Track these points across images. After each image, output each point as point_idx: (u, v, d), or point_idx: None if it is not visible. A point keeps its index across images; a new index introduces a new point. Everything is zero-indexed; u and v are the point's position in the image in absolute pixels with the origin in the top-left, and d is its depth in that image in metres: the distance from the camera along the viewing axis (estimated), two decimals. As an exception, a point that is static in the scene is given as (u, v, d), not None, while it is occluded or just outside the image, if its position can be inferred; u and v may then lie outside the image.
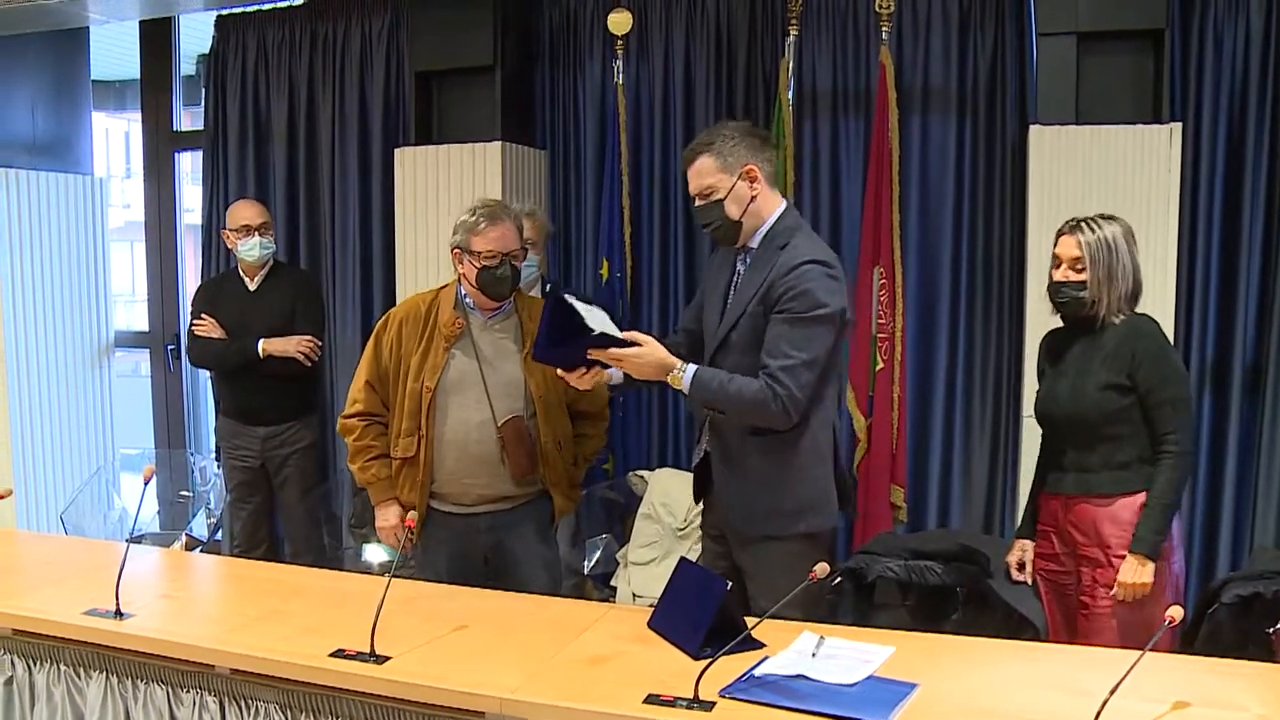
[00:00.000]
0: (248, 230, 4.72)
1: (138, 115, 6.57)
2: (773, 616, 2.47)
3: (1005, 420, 4.93)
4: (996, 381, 4.94)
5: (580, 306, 3.05)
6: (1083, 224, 3.18)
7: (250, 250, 4.72)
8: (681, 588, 2.79)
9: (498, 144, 5.12)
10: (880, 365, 4.70)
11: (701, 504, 3.38)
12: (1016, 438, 4.74)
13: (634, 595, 4.65)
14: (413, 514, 2.99)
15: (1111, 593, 3.08)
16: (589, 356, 3.02)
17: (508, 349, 3.53)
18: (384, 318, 3.61)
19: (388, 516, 3.58)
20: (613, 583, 4.89)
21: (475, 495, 3.51)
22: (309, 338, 4.71)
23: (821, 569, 2.42)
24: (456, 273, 3.53)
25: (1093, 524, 3.14)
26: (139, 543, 3.55)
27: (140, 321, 6.87)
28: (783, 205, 3.11)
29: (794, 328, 2.92)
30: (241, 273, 4.83)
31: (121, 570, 2.92)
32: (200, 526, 5.85)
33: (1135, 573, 3.04)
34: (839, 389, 3.23)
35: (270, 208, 4.97)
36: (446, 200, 5.12)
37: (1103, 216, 3.19)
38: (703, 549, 3.43)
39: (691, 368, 3.00)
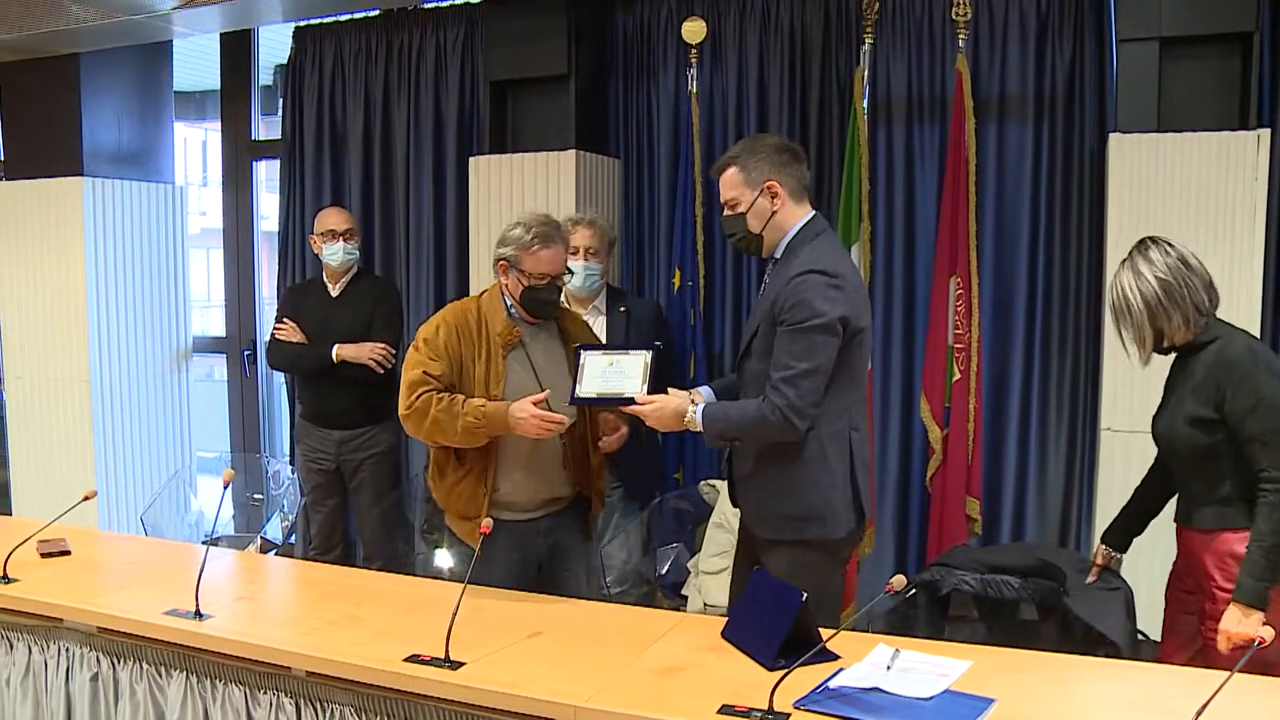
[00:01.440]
0: (333, 235, 4.84)
1: (216, 124, 6.69)
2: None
3: (1082, 433, 4.85)
4: (1073, 394, 4.86)
5: (593, 363, 3.34)
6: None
7: (334, 255, 4.83)
8: (756, 598, 2.78)
9: (572, 153, 5.14)
10: (957, 376, 4.64)
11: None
12: (1093, 451, 4.66)
13: (705, 605, 4.61)
14: (488, 520, 2.93)
15: (1219, 645, 2.90)
16: (613, 413, 3.36)
17: (558, 356, 3.56)
18: (431, 325, 3.48)
19: (523, 407, 3.31)
20: (684, 591, 4.85)
21: (539, 500, 3.54)
22: (382, 345, 4.76)
23: (898, 581, 2.39)
24: (499, 282, 3.52)
25: (1198, 555, 3.01)
26: (215, 545, 3.64)
27: (214, 327, 6.99)
28: (807, 216, 3.18)
29: (793, 338, 2.98)
30: (325, 278, 4.94)
31: (201, 572, 2.98)
32: (275, 530, 5.91)
33: (1238, 623, 2.83)
34: (858, 399, 3.20)
35: (345, 216, 5.05)
36: (521, 208, 5.06)
37: (1140, 249, 3.04)
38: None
39: (700, 407, 3.13)
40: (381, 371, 4.76)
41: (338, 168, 6.10)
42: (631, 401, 3.22)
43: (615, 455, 3.69)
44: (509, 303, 3.49)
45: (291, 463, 5.81)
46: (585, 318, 4.30)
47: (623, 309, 4.54)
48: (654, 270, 5.55)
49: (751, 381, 3.15)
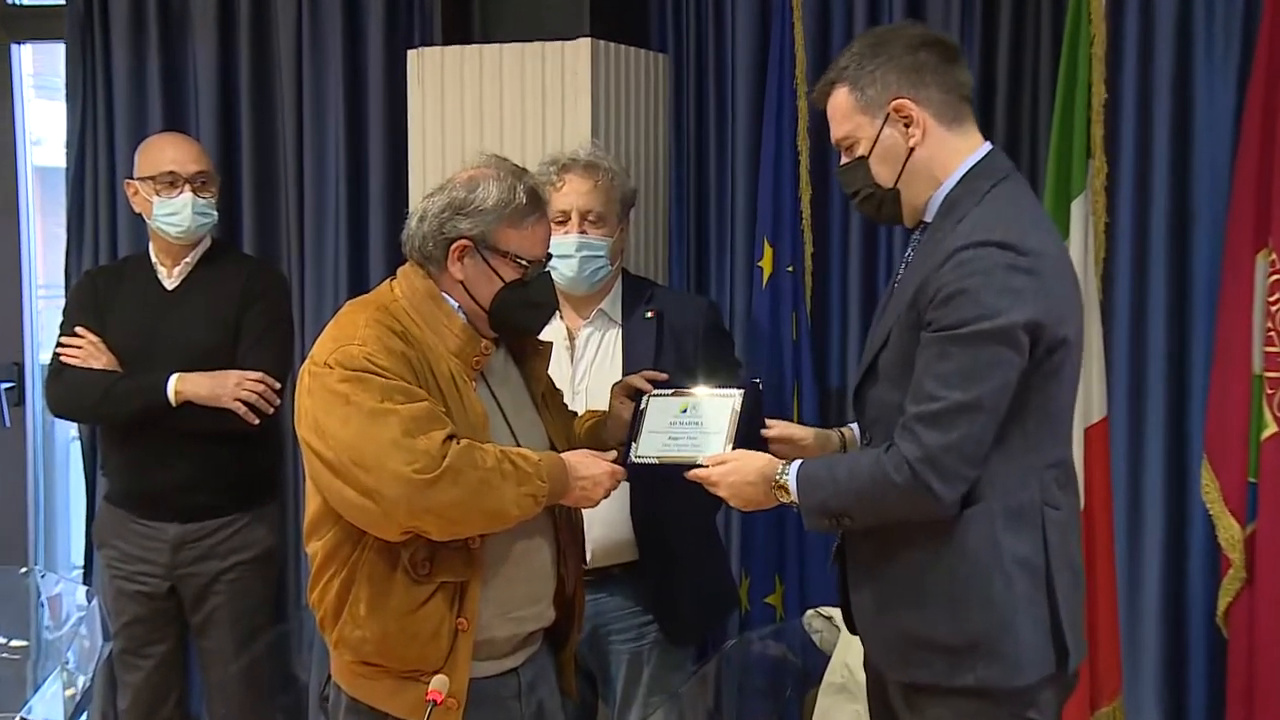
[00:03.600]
0: (173, 182, 4.57)
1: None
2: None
3: None
4: None
5: (659, 409, 3.51)
6: None
7: (174, 216, 4.58)
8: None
9: (585, 43, 4.73)
10: (1271, 429, 4.30)
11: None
12: None
13: (820, 831, 4.45)
14: (440, 678, 2.85)
15: None
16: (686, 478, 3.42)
17: (518, 386, 3.63)
18: (366, 342, 3.29)
19: (591, 463, 3.43)
20: (781, 803, 4.67)
21: (523, 635, 3.51)
22: (258, 375, 4.55)
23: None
24: (432, 276, 3.44)
25: None
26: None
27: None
28: (979, 152, 3.16)
29: (944, 350, 2.95)
30: (154, 259, 4.71)
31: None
32: (52, 705, 5.45)
33: None
34: (1059, 459, 3.14)
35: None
36: (497, 140, 4.76)
37: None
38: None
39: (795, 464, 3.16)
40: (255, 421, 4.51)
41: (173, 63, 5.75)
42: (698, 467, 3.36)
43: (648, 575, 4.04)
44: (457, 305, 3.43)
45: (87, 581, 5.53)
46: (587, 330, 4.32)
47: (650, 313, 4.31)
48: (725, 247, 5.33)
49: (880, 420, 3.16)
